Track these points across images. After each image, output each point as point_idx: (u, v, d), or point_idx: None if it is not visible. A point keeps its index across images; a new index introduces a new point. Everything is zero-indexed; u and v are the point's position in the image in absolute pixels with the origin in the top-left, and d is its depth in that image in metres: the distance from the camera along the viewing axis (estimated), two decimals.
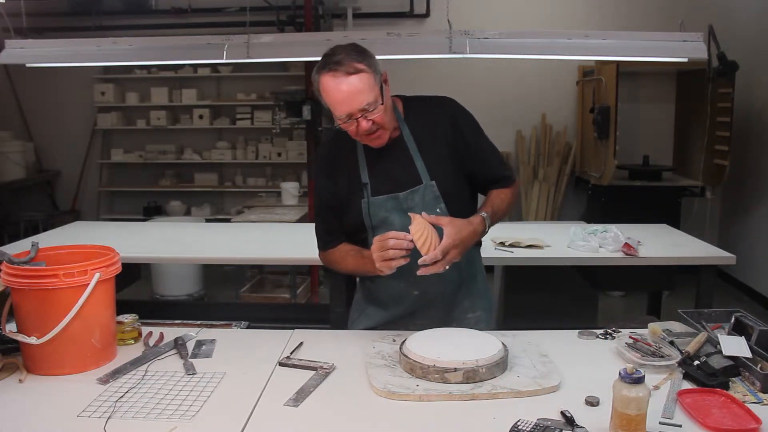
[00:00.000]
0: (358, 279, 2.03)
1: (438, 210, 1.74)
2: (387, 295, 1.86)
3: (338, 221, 1.84)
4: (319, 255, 1.93)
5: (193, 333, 1.81)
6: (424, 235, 1.56)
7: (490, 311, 1.95)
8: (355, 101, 1.61)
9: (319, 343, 1.74)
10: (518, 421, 1.28)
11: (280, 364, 1.61)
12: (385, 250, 1.59)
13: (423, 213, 1.62)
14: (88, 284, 1.51)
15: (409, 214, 1.63)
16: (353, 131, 1.68)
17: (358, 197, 1.77)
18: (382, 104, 1.65)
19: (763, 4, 5.01)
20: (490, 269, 2.86)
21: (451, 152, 1.78)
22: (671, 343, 1.64)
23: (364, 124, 1.65)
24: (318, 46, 3.19)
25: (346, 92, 1.61)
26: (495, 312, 2.00)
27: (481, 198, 1.89)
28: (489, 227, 1.75)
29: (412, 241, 1.57)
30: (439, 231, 1.60)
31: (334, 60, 1.62)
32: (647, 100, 5.79)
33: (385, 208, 1.76)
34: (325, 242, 1.89)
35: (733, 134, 4.84)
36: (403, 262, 1.59)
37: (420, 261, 1.57)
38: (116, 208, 6.62)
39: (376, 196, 1.76)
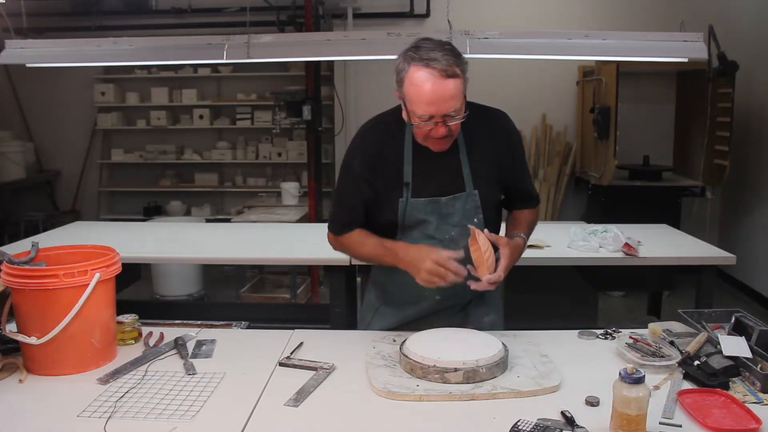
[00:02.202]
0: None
1: (476, 220, 1.72)
2: (405, 297, 1.82)
3: (364, 212, 1.78)
4: (330, 238, 1.86)
5: (193, 333, 1.81)
6: (488, 251, 1.58)
7: (501, 314, 1.95)
8: (445, 106, 1.55)
9: (319, 343, 1.74)
10: (518, 421, 1.28)
11: (280, 364, 1.61)
12: (442, 270, 1.57)
13: (485, 230, 1.61)
14: (88, 284, 1.51)
15: (468, 226, 1.63)
16: (425, 132, 1.62)
17: (396, 195, 1.71)
18: (466, 113, 1.60)
19: (763, 4, 5.01)
20: None
21: (498, 166, 1.76)
22: (671, 343, 1.64)
23: (442, 130, 1.59)
24: (318, 46, 3.22)
25: (439, 94, 1.53)
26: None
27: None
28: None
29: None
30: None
31: (433, 56, 1.53)
32: (647, 100, 5.78)
33: (424, 211, 1.71)
34: (341, 228, 1.81)
35: (733, 134, 4.83)
36: (442, 284, 1.59)
37: (485, 279, 1.58)
38: (116, 208, 6.62)
39: (417, 197, 1.71)
